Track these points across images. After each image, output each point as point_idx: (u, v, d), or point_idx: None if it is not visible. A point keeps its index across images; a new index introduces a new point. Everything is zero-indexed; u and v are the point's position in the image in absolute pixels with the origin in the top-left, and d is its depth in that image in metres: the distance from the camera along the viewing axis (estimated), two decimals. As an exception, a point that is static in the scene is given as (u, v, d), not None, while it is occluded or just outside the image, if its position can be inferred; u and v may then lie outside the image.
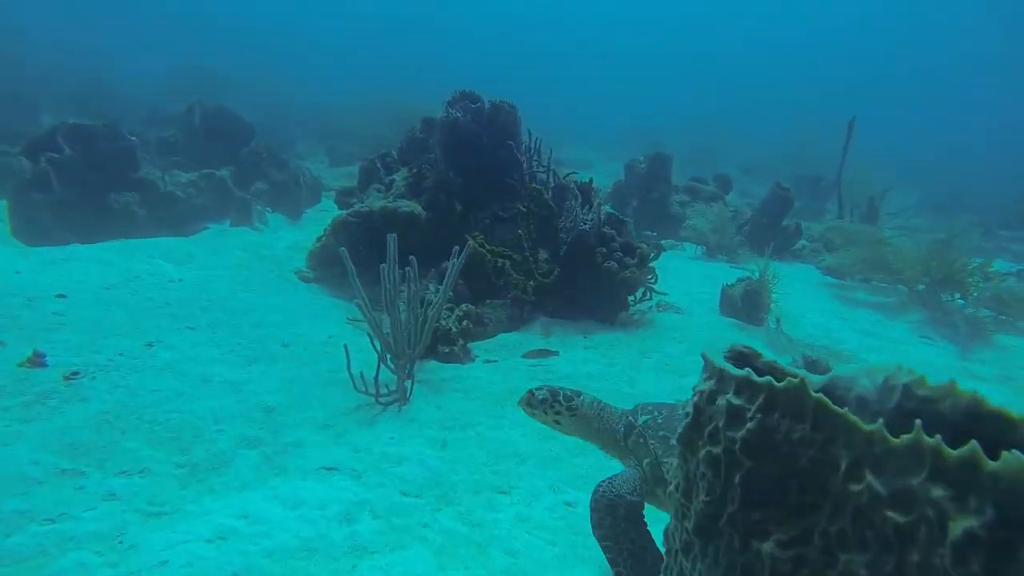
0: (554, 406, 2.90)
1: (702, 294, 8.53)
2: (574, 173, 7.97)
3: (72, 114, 19.26)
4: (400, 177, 8.15)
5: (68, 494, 3.28)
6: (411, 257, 4.84)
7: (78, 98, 21.13)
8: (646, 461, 2.71)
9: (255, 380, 4.78)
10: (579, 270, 6.93)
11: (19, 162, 9.32)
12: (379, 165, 8.74)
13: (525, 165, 8.00)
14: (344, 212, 7.75)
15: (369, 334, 4.79)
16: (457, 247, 5.12)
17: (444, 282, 5.07)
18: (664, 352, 6.36)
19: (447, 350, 5.63)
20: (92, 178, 9.71)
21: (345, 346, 4.52)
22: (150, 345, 5.18)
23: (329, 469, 3.75)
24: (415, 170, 8.04)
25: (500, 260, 6.86)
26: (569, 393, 2.94)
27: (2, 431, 3.73)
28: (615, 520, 2.66)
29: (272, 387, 4.70)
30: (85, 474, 3.47)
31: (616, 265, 6.81)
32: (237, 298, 7.05)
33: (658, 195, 12.02)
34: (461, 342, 5.75)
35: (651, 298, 7.44)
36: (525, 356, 5.96)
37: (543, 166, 8.01)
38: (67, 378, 4.40)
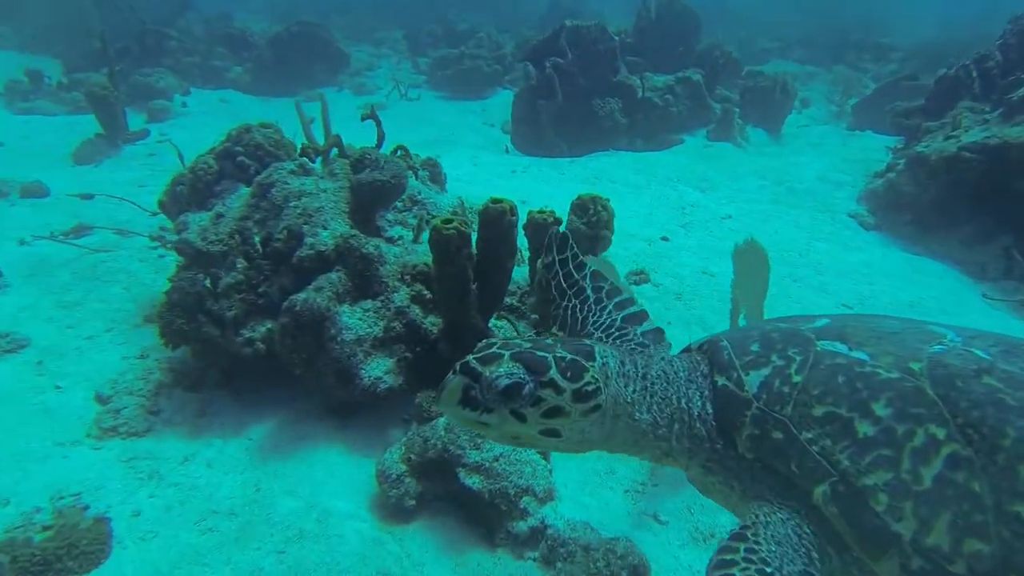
0: (541, 402, 1.31)
1: None
2: None
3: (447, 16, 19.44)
4: (1030, 98, 6.00)
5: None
6: None
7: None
8: (820, 490, 1.21)
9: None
10: None
11: (524, 67, 9.07)
12: (975, 74, 6.62)
13: None
14: (950, 144, 5.93)
15: None
16: None
17: None
18: None
19: None
20: (582, 83, 9.19)
21: None
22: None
23: None
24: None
25: None
26: (583, 347, 1.42)
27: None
28: None
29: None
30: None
31: None
32: (818, 251, 5.89)
33: None
34: None
35: None
36: None
37: None
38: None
